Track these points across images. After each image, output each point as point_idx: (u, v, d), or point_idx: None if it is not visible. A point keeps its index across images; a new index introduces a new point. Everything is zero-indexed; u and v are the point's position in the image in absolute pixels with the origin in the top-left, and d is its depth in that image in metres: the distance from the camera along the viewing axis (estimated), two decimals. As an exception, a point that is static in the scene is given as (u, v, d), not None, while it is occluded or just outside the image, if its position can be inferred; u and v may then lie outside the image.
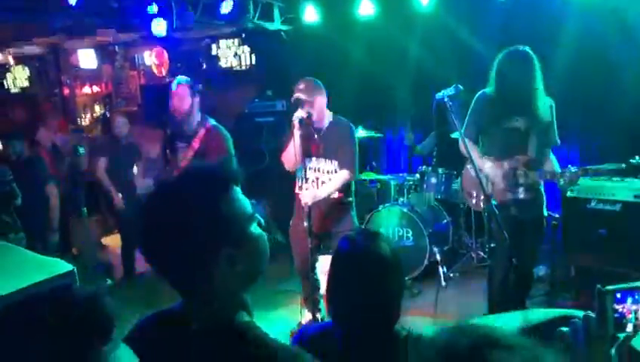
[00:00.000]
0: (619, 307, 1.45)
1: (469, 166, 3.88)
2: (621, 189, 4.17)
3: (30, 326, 0.76)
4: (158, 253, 1.18)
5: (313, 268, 4.04)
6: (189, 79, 4.39)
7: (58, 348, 0.71)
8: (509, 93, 3.63)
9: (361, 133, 5.78)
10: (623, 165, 3.47)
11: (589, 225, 4.33)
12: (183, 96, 4.24)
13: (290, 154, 3.96)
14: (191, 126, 4.37)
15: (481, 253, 5.64)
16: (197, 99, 4.28)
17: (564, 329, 1.47)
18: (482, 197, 3.75)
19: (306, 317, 4.31)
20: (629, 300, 1.46)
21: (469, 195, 3.94)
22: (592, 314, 1.46)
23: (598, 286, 1.52)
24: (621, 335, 1.46)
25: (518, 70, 3.55)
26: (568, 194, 4.40)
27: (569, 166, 3.67)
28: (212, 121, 4.41)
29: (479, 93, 3.81)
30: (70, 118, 9.13)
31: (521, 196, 3.66)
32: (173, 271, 1.18)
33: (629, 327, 1.46)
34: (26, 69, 9.90)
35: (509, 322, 2.25)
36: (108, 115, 8.21)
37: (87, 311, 0.75)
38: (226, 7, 5.93)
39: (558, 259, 4.83)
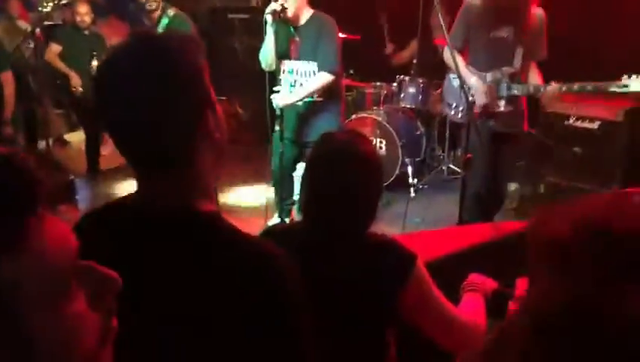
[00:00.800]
0: None
1: (451, 75, 3.73)
2: (602, 107, 4.11)
3: None
4: (132, 116, 0.97)
5: (289, 174, 3.95)
6: None
7: None
8: (500, 1, 3.44)
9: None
10: (612, 84, 3.35)
11: (564, 142, 4.30)
12: None
13: (267, 52, 3.75)
14: (152, 17, 4.15)
15: (452, 167, 5.62)
16: None
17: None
18: (462, 108, 3.64)
19: (274, 220, 4.27)
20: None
21: (449, 106, 3.82)
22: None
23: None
24: None
25: None
26: (547, 109, 4.33)
27: (551, 82, 3.55)
28: (171, 12, 4.19)
29: None
30: (30, 3, 8.54)
31: (502, 109, 3.56)
32: (146, 140, 0.98)
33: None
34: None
35: (481, 232, 2.22)
36: (68, 2, 7.68)
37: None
38: None
39: (529, 175, 4.84)
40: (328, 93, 3.81)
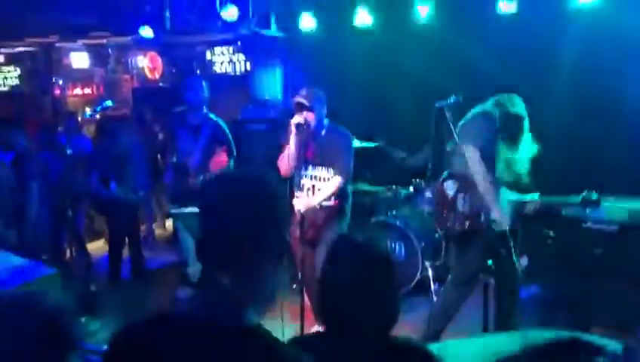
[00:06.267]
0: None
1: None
2: (618, 210, 4.14)
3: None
4: (229, 239, 1.19)
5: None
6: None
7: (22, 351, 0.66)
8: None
9: (355, 143, 5.70)
10: (579, 198, 3.51)
11: (583, 244, 4.30)
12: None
13: (286, 160, 3.95)
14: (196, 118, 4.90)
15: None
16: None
17: (601, 359, 1.37)
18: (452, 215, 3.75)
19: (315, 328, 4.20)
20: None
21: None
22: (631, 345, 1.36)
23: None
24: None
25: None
26: (564, 213, 4.35)
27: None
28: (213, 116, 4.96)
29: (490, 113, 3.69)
30: (60, 118, 9.02)
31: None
32: (235, 259, 1.18)
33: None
34: (18, 69, 9.79)
35: (510, 342, 2.18)
36: (97, 117, 8.10)
37: (49, 323, 0.69)
38: (229, 13, 5.96)
39: (551, 278, 4.77)
40: (342, 196, 4.04)
